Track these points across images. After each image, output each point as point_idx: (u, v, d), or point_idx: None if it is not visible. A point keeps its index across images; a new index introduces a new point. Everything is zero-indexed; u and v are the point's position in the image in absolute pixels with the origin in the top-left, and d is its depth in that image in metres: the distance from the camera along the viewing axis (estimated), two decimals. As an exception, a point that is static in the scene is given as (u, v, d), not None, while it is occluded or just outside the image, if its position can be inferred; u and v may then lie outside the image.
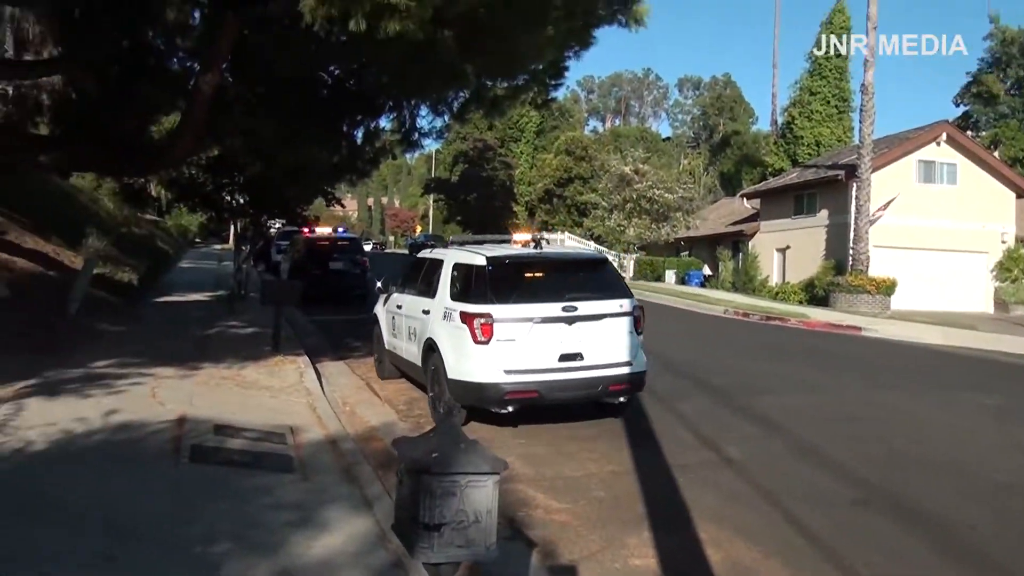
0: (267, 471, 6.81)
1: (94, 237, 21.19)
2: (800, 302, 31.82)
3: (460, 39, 8.85)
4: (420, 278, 10.90)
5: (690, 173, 59.89)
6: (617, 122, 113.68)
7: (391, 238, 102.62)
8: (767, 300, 31.91)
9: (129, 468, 6.54)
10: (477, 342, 9.00)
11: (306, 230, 24.05)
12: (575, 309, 9.17)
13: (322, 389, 10.60)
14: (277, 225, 31.55)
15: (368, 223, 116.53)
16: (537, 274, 9.54)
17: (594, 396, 9.40)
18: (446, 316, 9.54)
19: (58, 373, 9.62)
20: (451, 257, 10.12)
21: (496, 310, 9.01)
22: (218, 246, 57.61)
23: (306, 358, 12.53)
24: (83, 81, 12.11)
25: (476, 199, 67.51)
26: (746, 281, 37.48)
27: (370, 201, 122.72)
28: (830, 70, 44.11)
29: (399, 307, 11.33)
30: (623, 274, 43.85)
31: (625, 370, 9.35)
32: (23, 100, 13.08)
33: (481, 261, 9.43)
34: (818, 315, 24.97)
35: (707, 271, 42.49)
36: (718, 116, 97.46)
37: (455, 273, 9.80)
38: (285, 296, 13.52)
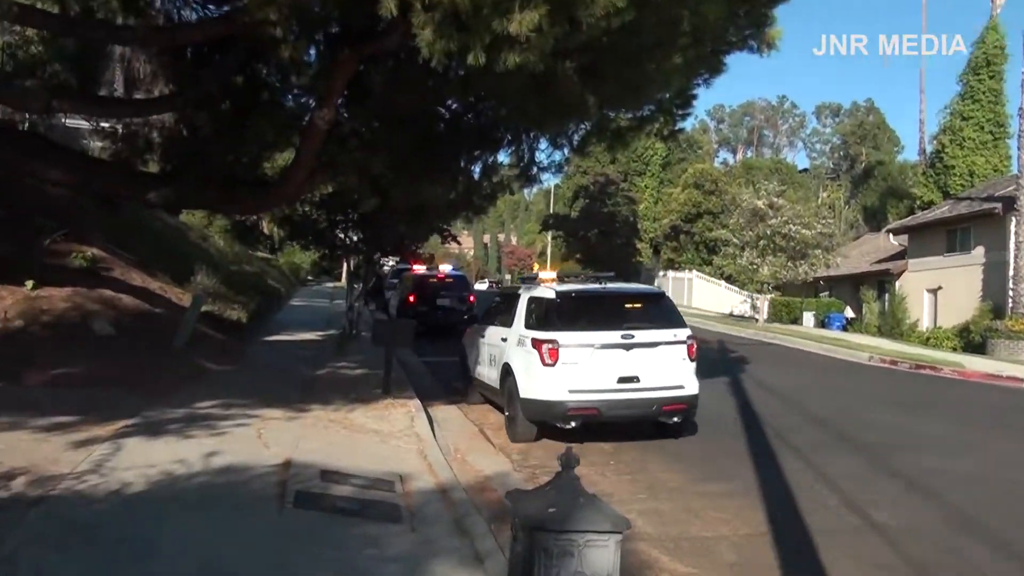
0: (374, 520, 6.84)
1: (203, 274, 22.08)
2: (954, 349, 30.44)
3: (582, 69, 8.87)
4: (500, 311, 13.19)
5: (830, 207, 58.23)
6: (749, 153, 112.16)
7: (507, 276, 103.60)
8: (917, 346, 30.63)
9: (230, 513, 6.63)
10: (545, 364, 10.89)
11: (416, 267, 25.14)
12: (632, 337, 11.01)
13: (433, 435, 10.68)
14: (390, 263, 32.53)
15: (484, 261, 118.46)
16: (600, 306, 11.49)
17: (649, 415, 11.18)
18: (520, 343, 11.51)
19: (160, 413, 9.89)
20: (526, 292, 12.21)
21: (562, 337, 10.93)
22: (330, 284, 59.43)
23: (417, 401, 12.69)
24: (194, 118, 12.59)
25: (597, 236, 67.30)
26: (893, 325, 36.11)
27: (486, 238, 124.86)
28: (983, 93, 42.25)
29: (482, 337, 13.42)
30: (756, 316, 43.28)
31: (678, 392, 11.14)
32: (133, 138, 13.67)
33: (551, 295, 11.54)
34: (975, 364, 23.77)
35: (849, 313, 41.22)
36: (860, 145, 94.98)
37: (530, 306, 11.83)
38: (397, 336, 13.76)
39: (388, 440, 9.98)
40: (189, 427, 9.25)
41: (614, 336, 10.99)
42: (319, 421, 10.62)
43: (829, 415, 13.92)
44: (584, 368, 10.89)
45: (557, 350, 10.87)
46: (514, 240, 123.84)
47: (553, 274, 12.68)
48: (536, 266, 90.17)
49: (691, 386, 11.27)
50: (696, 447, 11.33)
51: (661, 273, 66.78)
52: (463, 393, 14.41)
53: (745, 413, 13.91)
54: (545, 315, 11.38)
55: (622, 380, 10.93)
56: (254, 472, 7.73)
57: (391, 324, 15.14)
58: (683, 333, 11.31)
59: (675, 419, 11.31)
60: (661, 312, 11.67)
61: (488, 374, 12.88)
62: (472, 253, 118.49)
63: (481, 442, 11.18)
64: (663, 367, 11.10)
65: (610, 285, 11.98)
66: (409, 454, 9.38)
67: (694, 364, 11.37)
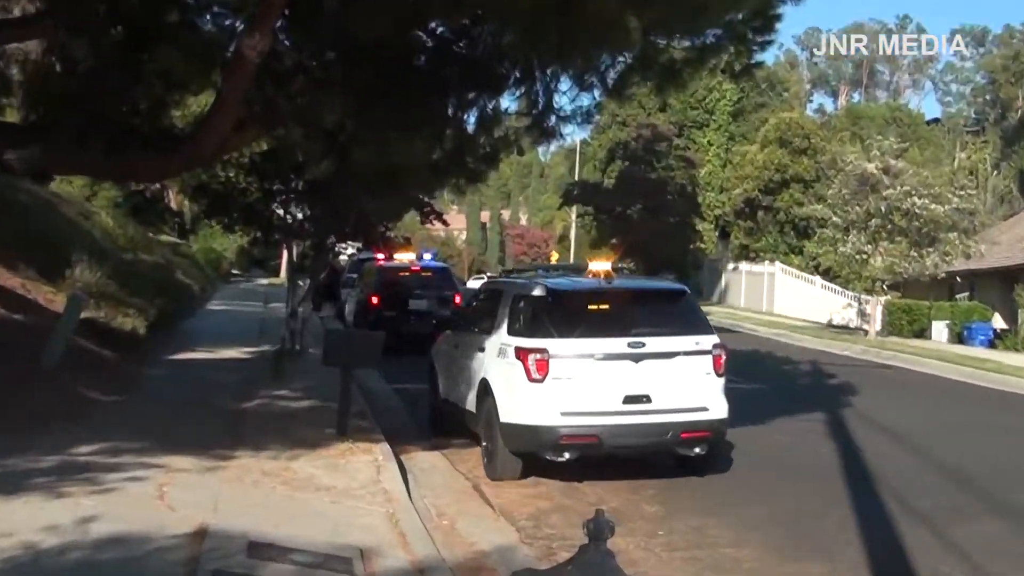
0: (324, 615, 6.78)
1: (83, 266, 21.85)
2: None
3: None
4: (479, 314, 14.14)
5: (970, 172, 58.06)
6: (856, 97, 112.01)
7: (515, 268, 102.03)
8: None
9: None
10: (532, 380, 11.70)
11: (380, 256, 25.34)
12: (643, 345, 11.86)
13: (408, 493, 10.63)
14: (349, 251, 32.55)
15: (481, 248, 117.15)
16: (603, 306, 12.53)
17: (664, 445, 12.13)
18: (501, 353, 12.34)
19: (22, 460, 9.76)
20: (511, 288, 13.10)
21: (553, 344, 11.79)
22: (264, 280, 60.94)
23: (385, 446, 12.72)
24: (71, 47, 12.46)
25: (641, 213, 65.41)
26: (1064, 341, 35.96)
27: (485, 216, 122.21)
28: None
29: (456, 347, 14.37)
30: (865, 327, 43.07)
31: (700, 416, 11.98)
32: (-20, 75, 13.55)
33: (540, 292, 12.43)
34: None
35: (999, 323, 41.00)
36: (1014, 86, 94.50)
37: (515, 306, 12.58)
38: (358, 354, 13.78)
39: (344, 499, 9.90)
40: (63, 481, 9.08)
41: (620, 344, 11.89)
42: (247, 473, 10.52)
43: (968, 466, 13.81)
44: (581, 385, 11.79)
45: (547, 361, 11.71)
46: (524, 219, 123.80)
47: (607, 265, 13.09)
48: (554, 255, 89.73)
49: (718, 408, 12.18)
50: (778, 507, 11.33)
51: (731, 266, 66.38)
52: (435, 424, 15.53)
53: (849, 462, 13.95)
54: (533, 318, 12.28)
55: (629, 400, 11.82)
56: (153, 545, 7.55)
57: (349, 337, 15.19)
58: (708, 340, 12.25)
59: (697, 450, 12.15)
60: (681, 314, 12.74)
61: (462, 394, 13.65)
62: (464, 237, 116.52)
63: (476, 503, 11.13)
64: (682, 384, 12.05)
65: (618, 280, 12.88)
66: (374, 519, 9.25)
67: (722, 380, 12.30)
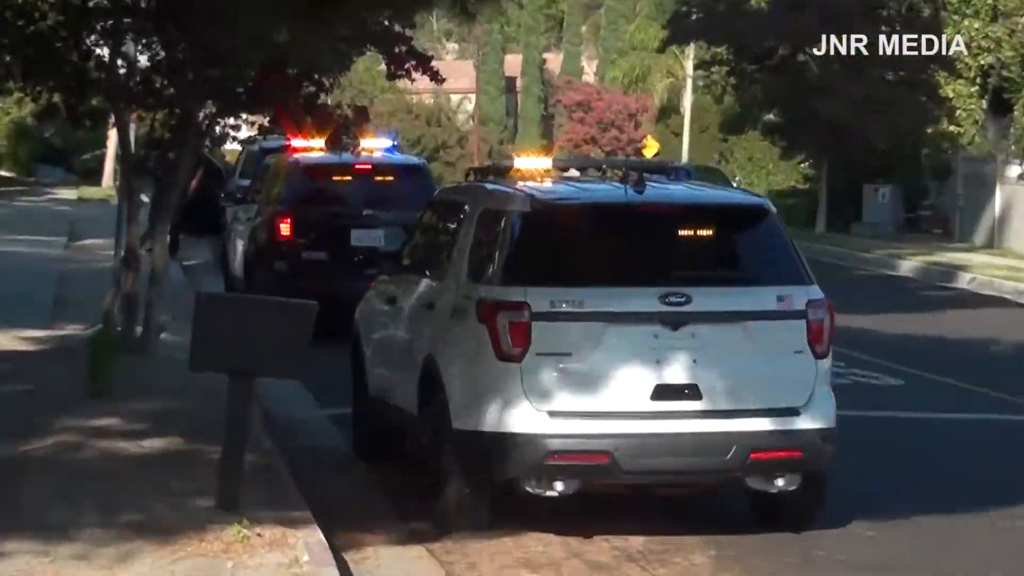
0: None
1: None
2: None
3: None
4: (425, 246, 11.20)
5: None
6: None
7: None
8: None
9: None
10: (503, 356, 8.58)
11: (294, 143, 17.65)
12: (686, 300, 8.71)
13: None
14: (243, 137, 19.84)
15: (505, 127, 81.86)
16: (622, 234, 9.30)
17: (723, 471, 8.91)
18: (456, 312, 9.28)
19: None
20: (476, 200, 10.02)
21: (537, 297, 8.58)
22: (68, 192, 42.91)
23: (316, 533, 8.20)
24: None
25: (825, 63, 40.20)
26: None
27: (512, 64, 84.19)
28: None
29: (390, 303, 11.14)
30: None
31: (788, 423, 8.76)
32: None
33: (520, 206, 9.26)
34: None
35: None
36: None
37: (479, 232, 9.57)
38: (263, 347, 8.63)
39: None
40: None
41: (647, 298, 8.69)
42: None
43: None
44: (583, 367, 8.66)
45: (527, 326, 8.52)
46: (589, 71, 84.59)
47: (654, 157, 8.00)
48: (650, 144, 60.08)
49: (821, 408, 8.87)
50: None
51: (1018, 170, 40.24)
52: (363, 442, 11.41)
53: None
54: (508, 253, 9.07)
55: (663, 393, 8.62)
56: None
57: (243, 308, 9.60)
58: (800, 294, 8.93)
59: (781, 482, 8.83)
60: (757, 249, 9.63)
61: (397, 385, 10.36)
62: (471, 106, 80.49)
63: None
64: (755, 367, 8.83)
65: (653, 188, 9.55)
66: None
67: (826, 364, 9.02)
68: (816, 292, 9.05)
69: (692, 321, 8.69)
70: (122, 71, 15.00)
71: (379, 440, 11.28)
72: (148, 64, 15.33)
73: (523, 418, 8.53)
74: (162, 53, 14.98)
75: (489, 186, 10.18)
